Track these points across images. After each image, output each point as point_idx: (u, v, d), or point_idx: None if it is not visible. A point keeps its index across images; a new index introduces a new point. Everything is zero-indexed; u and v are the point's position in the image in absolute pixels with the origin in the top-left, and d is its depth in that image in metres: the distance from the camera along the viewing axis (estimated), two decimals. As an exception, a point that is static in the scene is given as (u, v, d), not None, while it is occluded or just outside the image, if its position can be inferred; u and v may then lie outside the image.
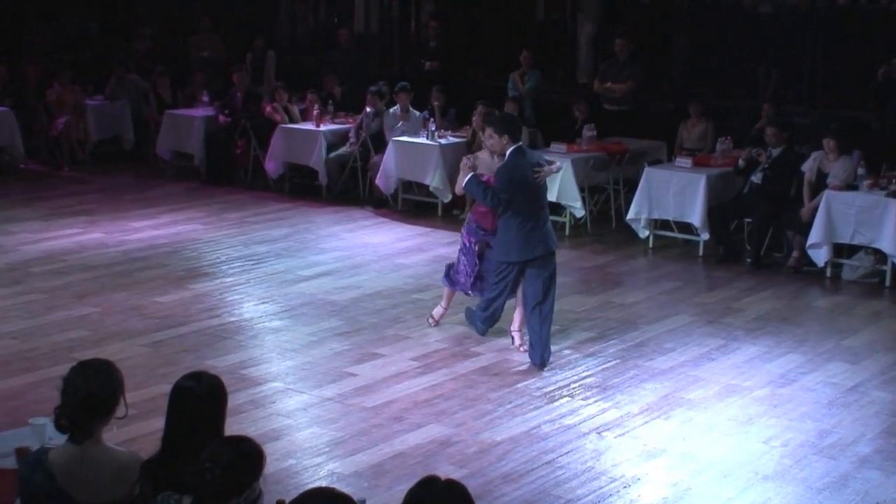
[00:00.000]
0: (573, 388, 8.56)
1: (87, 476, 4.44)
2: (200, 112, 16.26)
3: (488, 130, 9.11)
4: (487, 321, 9.49)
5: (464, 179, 9.05)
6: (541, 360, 9.01)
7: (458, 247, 9.69)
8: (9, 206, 14.07)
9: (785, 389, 8.61)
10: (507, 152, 8.91)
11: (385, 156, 14.15)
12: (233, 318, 10.05)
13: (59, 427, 4.49)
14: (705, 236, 12.43)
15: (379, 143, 14.62)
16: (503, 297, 9.30)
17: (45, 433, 5.18)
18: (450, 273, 9.72)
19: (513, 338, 9.44)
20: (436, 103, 14.89)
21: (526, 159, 8.94)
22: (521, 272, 9.09)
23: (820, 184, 11.72)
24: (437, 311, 9.87)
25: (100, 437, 4.50)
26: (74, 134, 16.60)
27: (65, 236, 12.67)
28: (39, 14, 19.15)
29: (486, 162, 9.17)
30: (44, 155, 16.76)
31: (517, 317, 9.44)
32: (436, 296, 10.46)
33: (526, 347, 9.20)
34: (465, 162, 9.18)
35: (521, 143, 9.09)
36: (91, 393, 4.42)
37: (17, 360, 8.83)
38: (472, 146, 14.19)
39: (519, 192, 8.81)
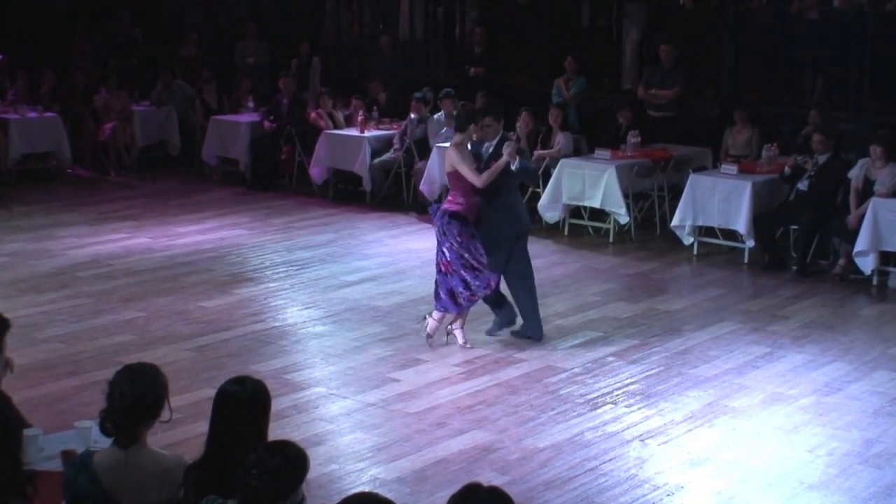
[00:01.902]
0: (616, 396, 8.53)
1: (132, 479, 4.47)
2: (246, 118, 16.36)
3: (487, 119, 9.44)
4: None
5: (515, 164, 9.19)
6: (541, 332, 9.60)
7: (450, 267, 9.30)
8: (56, 211, 14.21)
9: (830, 398, 8.55)
10: (499, 135, 9.45)
11: (429, 162, 14.17)
12: (277, 323, 10.09)
13: (105, 430, 4.52)
14: (751, 243, 12.35)
15: (423, 149, 14.64)
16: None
17: (90, 436, 5.23)
18: (457, 299, 9.36)
19: (455, 336, 9.53)
20: (480, 109, 14.87)
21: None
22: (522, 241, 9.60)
23: (867, 191, 11.63)
24: (459, 335, 9.54)
25: (144, 441, 4.53)
26: (121, 139, 16.73)
27: (111, 241, 12.77)
28: (87, 21, 19.32)
29: (455, 157, 9.29)
30: (91, 160, 16.92)
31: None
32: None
33: (471, 345, 9.45)
34: (511, 148, 9.24)
35: None
36: (136, 397, 4.45)
37: (64, 364, 8.91)
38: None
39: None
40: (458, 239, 9.22)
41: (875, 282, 11.58)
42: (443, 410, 8.17)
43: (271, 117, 15.94)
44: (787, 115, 14.75)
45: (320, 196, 15.39)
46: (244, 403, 4.53)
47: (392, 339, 9.68)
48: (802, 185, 12.09)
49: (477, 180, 9.15)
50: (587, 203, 13.31)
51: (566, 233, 13.53)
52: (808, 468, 7.33)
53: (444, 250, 9.30)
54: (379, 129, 15.39)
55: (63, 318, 10.06)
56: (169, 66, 18.16)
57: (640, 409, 8.29)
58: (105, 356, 9.00)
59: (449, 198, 9.40)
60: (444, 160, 9.47)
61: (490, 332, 9.74)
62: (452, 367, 9.03)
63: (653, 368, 9.11)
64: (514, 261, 9.56)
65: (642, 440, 7.74)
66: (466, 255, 9.23)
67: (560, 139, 13.87)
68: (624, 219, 13.15)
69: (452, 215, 9.23)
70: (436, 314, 9.50)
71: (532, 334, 9.64)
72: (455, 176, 9.25)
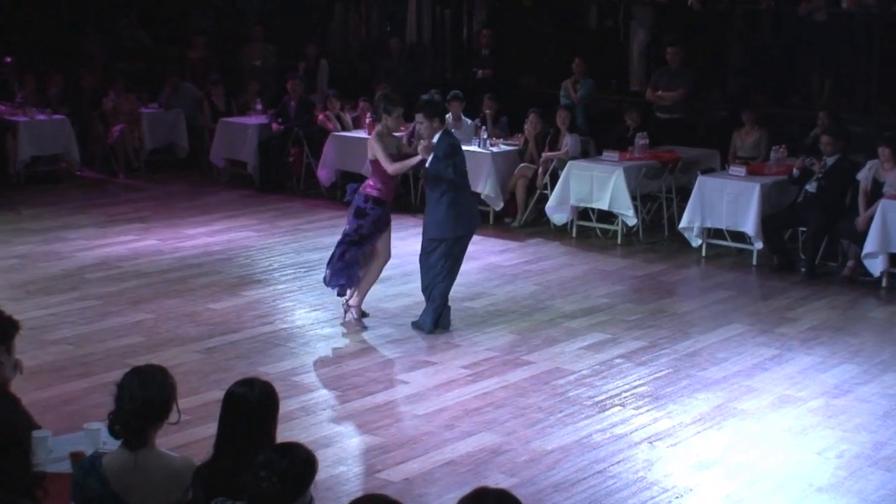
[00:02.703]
0: (625, 398, 8.52)
1: (141, 481, 4.47)
2: (254, 120, 16.37)
3: (418, 117, 9.71)
4: (439, 309, 9.85)
5: (428, 158, 9.51)
6: (434, 325, 9.82)
7: (344, 248, 9.77)
8: (65, 213, 14.23)
9: (839, 400, 8.53)
10: (439, 135, 9.58)
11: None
12: (285, 325, 10.10)
13: (113, 432, 4.53)
14: (759, 245, 12.34)
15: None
16: (453, 278, 9.84)
17: (99, 438, 5.23)
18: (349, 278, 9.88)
19: (352, 313, 9.90)
20: (488, 111, 14.89)
21: (455, 138, 9.83)
22: (458, 245, 9.77)
23: (876, 193, 11.61)
24: (354, 312, 9.99)
25: (153, 443, 4.53)
26: (130, 142, 16.75)
27: (120, 243, 12.78)
28: (95, 24, 19.34)
29: (375, 145, 9.59)
30: (99, 163, 16.92)
31: (358, 293, 9.89)
32: (487, 304, 10.49)
33: (364, 324, 9.82)
34: (424, 145, 9.53)
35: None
36: (145, 399, 4.46)
37: (73, 366, 8.91)
38: (524, 154, 14.22)
39: (461, 166, 9.68)
40: (371, 227, 9.66)
41: (884, 284, 11.56)
42: (451, 412, 8.16)
43: (279, 119, 15.95)
44: (796, 117, 14.74)
45: (328, 198, 15.37)
46: (252, 405, 4.54)
47: (400, 341, 9.68)
48: (811, 187, 12.07)
49: (389, 167, 9.54)
50: (595, 205, 13.30)
51: (574, 235, 13.52)
52: (818, 471, 7.32)
53: (354, 228, 9.71)
54: (386, 131, 15.37)
55: (72, 320, 10.07)
56: (177, 68, 18.17)
57: (648, 411, 8.28)
58: (114, 358, 9.00)
59: (369, 182, 9.75)
60: (367, 149, 9.80)
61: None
62: (460, 369, 9.03)
63: (661, 370, 9.10)
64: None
65: (651, 442, 7.73)
66: (358, 248, 9.71)
67: (568, 141, 13.86)
68: (632, 220, 13.13)
69: (376, 201, 9.64)
70: (348, 292, 9.95)
71: (424, 324, 9.84)
72: (375, 163, 9.64)
